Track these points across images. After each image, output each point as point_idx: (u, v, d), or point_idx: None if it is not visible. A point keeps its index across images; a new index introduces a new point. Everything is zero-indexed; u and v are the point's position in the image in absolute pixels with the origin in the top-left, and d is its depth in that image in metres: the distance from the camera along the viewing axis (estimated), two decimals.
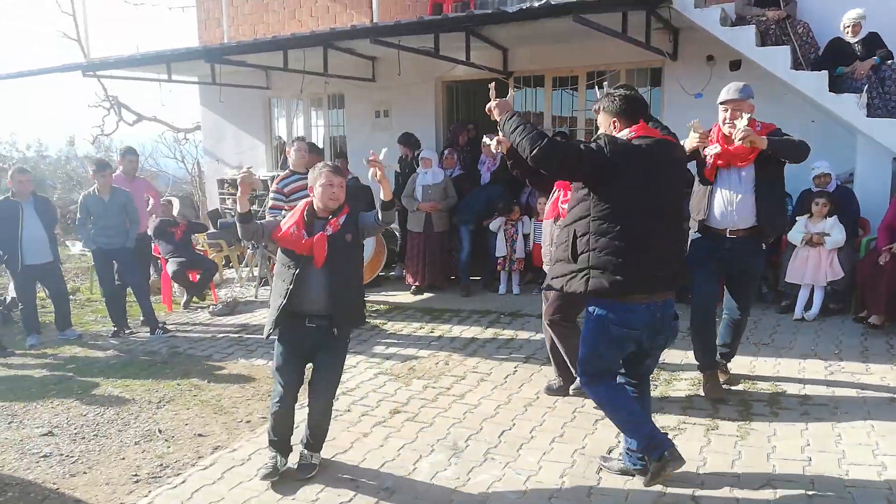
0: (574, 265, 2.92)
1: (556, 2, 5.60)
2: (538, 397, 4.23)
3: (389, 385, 4.58)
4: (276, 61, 8.00)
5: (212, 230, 9.07)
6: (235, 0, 10.27)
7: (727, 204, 3.96)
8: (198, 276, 7.46)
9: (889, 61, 5.99)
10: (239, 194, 3.31)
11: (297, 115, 10.59)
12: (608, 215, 2.83)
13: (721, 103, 3.96)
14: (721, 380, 4.23)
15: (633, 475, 3.16)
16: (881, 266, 5.16)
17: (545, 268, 4.03)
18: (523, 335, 5.55)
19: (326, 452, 3.53)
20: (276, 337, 3.38)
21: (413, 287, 7.21)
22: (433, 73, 8.84)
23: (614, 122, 3.01)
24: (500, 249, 7.02)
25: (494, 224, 7.02)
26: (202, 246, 8.60)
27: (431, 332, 5.84)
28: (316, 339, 3.34)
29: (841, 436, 3.47)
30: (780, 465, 3.21)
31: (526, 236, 7.02)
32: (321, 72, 8.00)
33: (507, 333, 5.65)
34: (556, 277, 3.03)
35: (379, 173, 3.33)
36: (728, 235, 3.98)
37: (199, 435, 3.97)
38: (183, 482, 3.39)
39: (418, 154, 7.60)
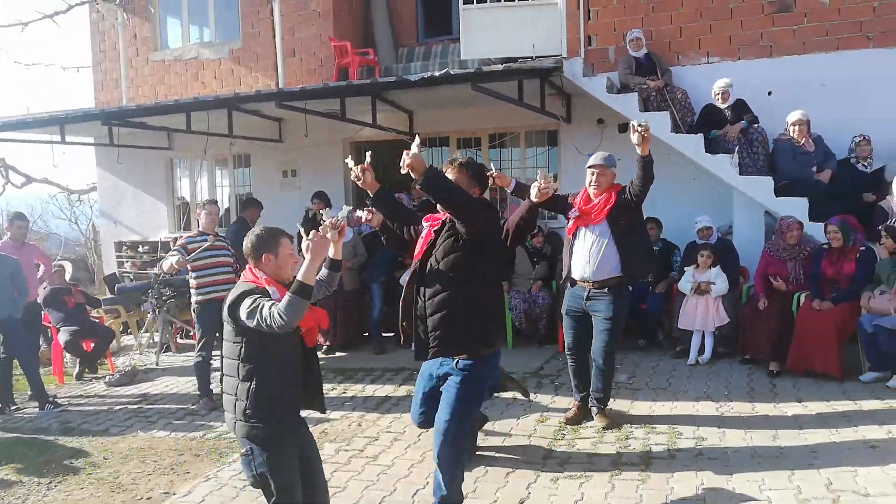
0: (470, 332, 3.09)
1: (456, 72, 5.91)
2: None
3: None
4: (179, 123, 7.92)
5: (109, 296, 8.66)
6: (135, 61, 10.14)
7: (585, 258, 4.39)
8: (92, 345, 7.08)
9: (755, 125, 6.66)
10: (309, 259, 2.61)
11: (201, 175, 10.41)
12: (487, 280, 3.12)
13: (589, 167, 4.42)
14: (602, 424, 4.52)
15: None
16: (760, 311, 5.61)
17: None
18: None
19: None
20: (272, 450, 2.74)
21: (324, 347, 7.13)
22: (341, 134, 8.98)
23: (475, 189, 3.29)
24: None
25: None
26: (97, 312, 8.18)
27: (344, 392, 5.78)
28: (304, 431, 2.94)
29: (732, 474, 3.70)
30: None
31: None
32: (226, 133, 7.97)
33: None
34: (462, 350, 3.13)
35: (337, 236, 2.91)
36: (586, 287, 4.39)
37: None
38: None
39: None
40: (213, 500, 3.84)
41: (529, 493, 3.63)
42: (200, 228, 5.88)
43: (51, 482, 4.23)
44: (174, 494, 3.96)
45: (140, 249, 9.82)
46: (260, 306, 2.59)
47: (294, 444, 2.82)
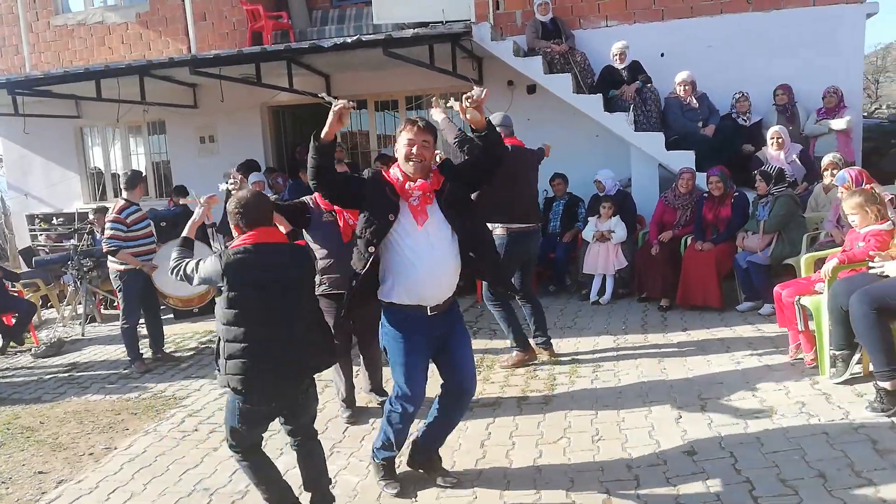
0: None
1: (367, 37, 6.13)
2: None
3: None
4: (88, 90, 7.79)
5: (26, 270, 8.51)
6: (35, 26, 9.74)
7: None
8: (13, 320, 7.03)
9: (649, 84, 7.21)
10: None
11: (115, 144, 10.21)
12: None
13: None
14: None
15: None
16: (653, 255, 6.22)
17: None
18: None
19: (180, 469, 3.70)
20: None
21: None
22: (258, 99, 9.02)
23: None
24: None
25: None
26: (16, 287, 8.04)
27: None
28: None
29: (622, 391, 4.29)
30: (574, 421, 3.92)
31: None
32: (138, 100, 7.89)
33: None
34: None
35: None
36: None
37: (40, 472, 3.93)
38: None
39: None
40: (155, 451, 4.08)
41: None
42: (126, 198, 5.87)
43: None
44: (115, 449, 4.18)
45: (54, 221, 9.62)
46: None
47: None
